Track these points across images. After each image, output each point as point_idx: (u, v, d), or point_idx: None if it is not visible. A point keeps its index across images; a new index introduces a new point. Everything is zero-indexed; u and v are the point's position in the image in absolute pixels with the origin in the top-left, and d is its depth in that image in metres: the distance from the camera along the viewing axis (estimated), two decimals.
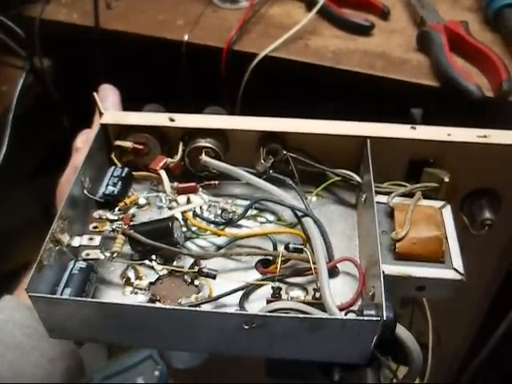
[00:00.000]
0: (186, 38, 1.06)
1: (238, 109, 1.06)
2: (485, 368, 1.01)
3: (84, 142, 0.77)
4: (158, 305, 0.60)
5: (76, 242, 0.64)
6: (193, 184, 0.69)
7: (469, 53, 0.99)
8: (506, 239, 0.79)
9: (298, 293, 0.62)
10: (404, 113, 0.90)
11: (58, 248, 0.60)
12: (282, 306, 0.57)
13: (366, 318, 0.53)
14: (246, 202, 0.69)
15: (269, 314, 0.55)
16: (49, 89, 1.15)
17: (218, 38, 1.05)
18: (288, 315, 0.55)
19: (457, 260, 0.62)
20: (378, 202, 0.63)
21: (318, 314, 0.57)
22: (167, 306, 0.56)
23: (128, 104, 0.81)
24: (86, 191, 0.66)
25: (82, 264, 0.61)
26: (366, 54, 1.03)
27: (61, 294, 0.58)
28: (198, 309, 0.58)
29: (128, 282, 0.63)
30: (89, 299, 0.58)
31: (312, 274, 0.62)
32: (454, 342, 0.99)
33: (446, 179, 0.68)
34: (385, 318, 0.53)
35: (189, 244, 0.67)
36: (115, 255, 0.63)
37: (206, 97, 1.05)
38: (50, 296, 0.56)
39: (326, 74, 1.02)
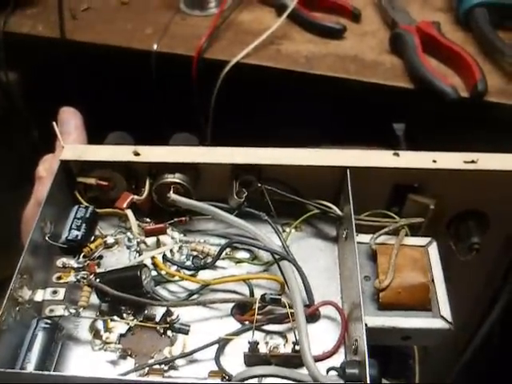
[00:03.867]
0: (154, 47, 1.00)
1: (211, 120, 1.00)
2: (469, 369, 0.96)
3: (46, 169, 0.69)
4: (125, 378, 0.52)
5: (39, 296, 0.56)
6: (161, 225, 0.61)
7: (442, 53, 0.96)
8: (493, 260, 0.72)
9: (277, 341, 0.55)
10: (380, 116, 0.85)
11: (18, 308, 0.52)
12: (260, 372, 0.50)
13: None
14: (220, 240, 0.62)
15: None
16: (16, 103, 1.07)
17: (187, 46, 1.00)
18: None
19: (444, 307, 0.55)
20: (359, 243, 0.56)
21: (298, 377, 0.50)
22: (135, 381, 0.48)
23: (97, 119, 0.75)
24: (47, 237, 0.58)
25: (46, 324, 0.53)
26: (339, 58, 0.98)
27: (23, 360, 0.50)
28: (167, 380, 0.50)
29: (97, 336, 0.56)
30: (51, 373, 0.50)
31: (290, 321, 0.54)
32: (441, 354, 0.93)
33: (432, 206, 0.61)
34: (368, 380, 0.46)
35: (160, 289, 0.59)
36: (81, 310, 0.55)
37: (177, 107, 0.98)
38: (9, 371, 0.48)
39: (299, 79, 0.97)
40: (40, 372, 0.49)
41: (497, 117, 0.90)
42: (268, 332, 0.56)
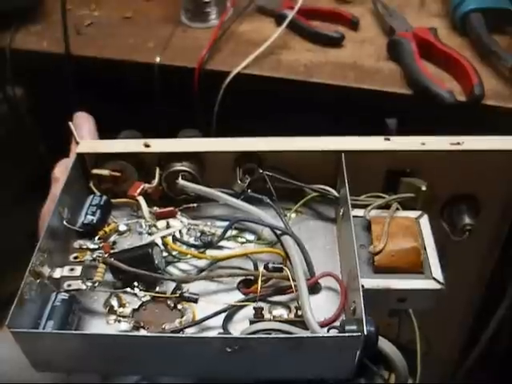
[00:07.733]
0: (157, 60, 1.06)
1: (214, 128, 1.06)
2: (476, 368, 1.02)
3: (62, 171, 0.76)
4: (140, 333, 0.60)
5: (57, 273, 0.64)
6: (171, 209, 0.70)
7: (439, 59, 1.01)
8: (487, 244, 0.80)
9: (280, 311, 0.62)
10: (379, 122, 0.91)
11: (38, 281, 0.60)
12: (264, 327, 0.57)
13: (346, 335, 0.54)
14: (226, 223, 0.69)
15: (249, 336, 0.55)
16: (23, 118, 1.14)
17: (189, 58, 1.06)
18: (269, 336, 0.56)
19: (436, 270, 0.63)
20: (355, 216, 0.64)
21: (299, 332, 0.57)
22: (149, 334, 0.57)
23: (104, 129, 0.81)
24: (65, 222, 0.66)
25: (64, 296, 0.61)
26: (338, 66, 1.04)
27: (43, 328, 0.58)
28: (179, 335, 0.58)
29: (111, 311, 0.63)
30: (71, 331, 0.58)
31: (293, 291, 0.62)
32: (444, 347, 0.99)
33: (423, 188, 0.69)
34: (366, 333, 0.53)
35: (170, 268, 0.67)
36: (97, 285, 0.63)
37: (180, 118, 1.05)
38: (31, 331, 0.56)
39: (299, 88, 1.02)
40: (60, 331, 0.57)
41: (494, 120, 0.95)
42: (272, 303, 0.63)
